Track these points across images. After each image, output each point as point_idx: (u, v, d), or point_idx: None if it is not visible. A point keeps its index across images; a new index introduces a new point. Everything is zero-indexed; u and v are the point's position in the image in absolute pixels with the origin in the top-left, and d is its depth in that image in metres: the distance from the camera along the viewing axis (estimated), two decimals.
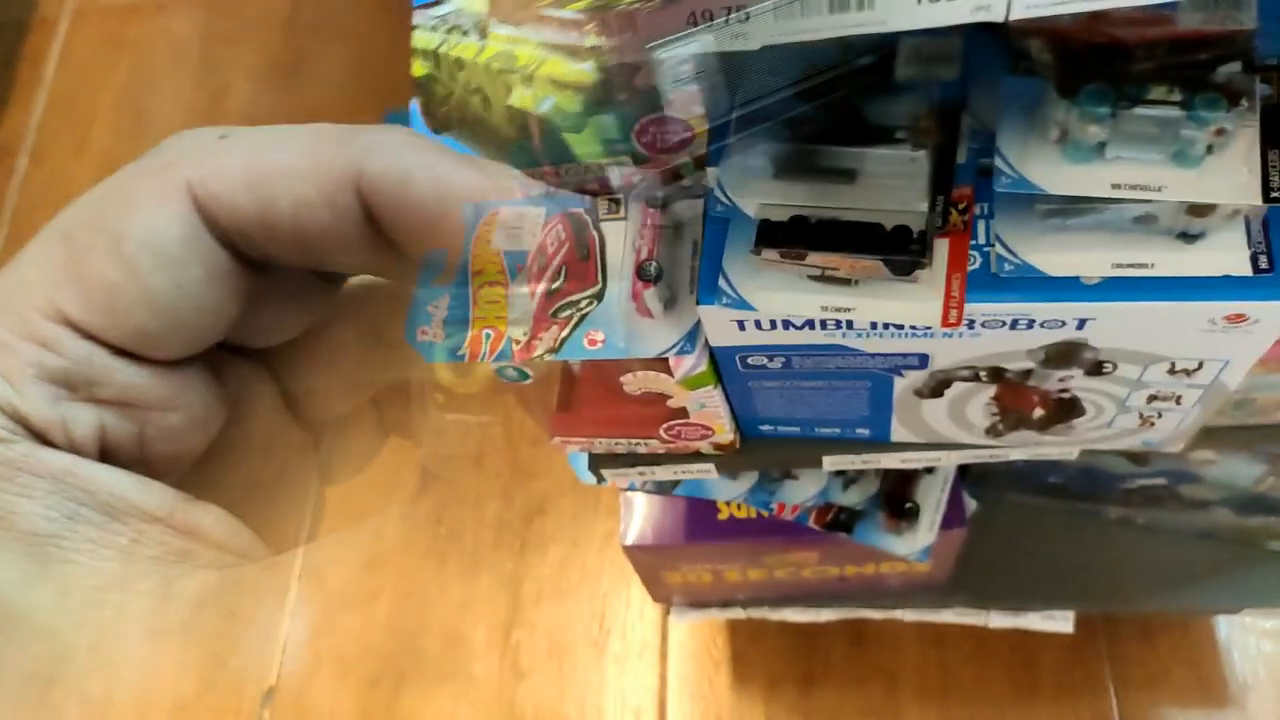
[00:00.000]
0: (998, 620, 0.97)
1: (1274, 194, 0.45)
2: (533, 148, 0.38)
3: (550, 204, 0.36)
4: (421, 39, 0.39)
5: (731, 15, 0.36)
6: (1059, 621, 0.97)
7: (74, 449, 0.32)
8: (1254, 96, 0.44)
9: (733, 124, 0.40)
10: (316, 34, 1.54)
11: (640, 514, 0.79)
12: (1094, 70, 0.43)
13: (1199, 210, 0.44)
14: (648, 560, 0.82)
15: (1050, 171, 0.43)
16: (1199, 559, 0.92)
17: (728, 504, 0.76)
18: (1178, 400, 0.54)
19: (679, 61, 0.36)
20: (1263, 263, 0.45)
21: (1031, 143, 0.44)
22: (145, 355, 0.32)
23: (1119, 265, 0.45)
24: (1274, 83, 0.45)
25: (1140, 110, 0.43)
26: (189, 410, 0.34)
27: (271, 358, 0.40)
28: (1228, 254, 0.45)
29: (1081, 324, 0.46)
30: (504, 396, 0.39)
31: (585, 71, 0.37)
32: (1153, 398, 0.54)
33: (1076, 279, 0.45)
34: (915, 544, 0.75)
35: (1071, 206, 0.45)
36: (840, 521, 0.75)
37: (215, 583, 0.31)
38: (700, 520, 0.78)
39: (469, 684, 1.10)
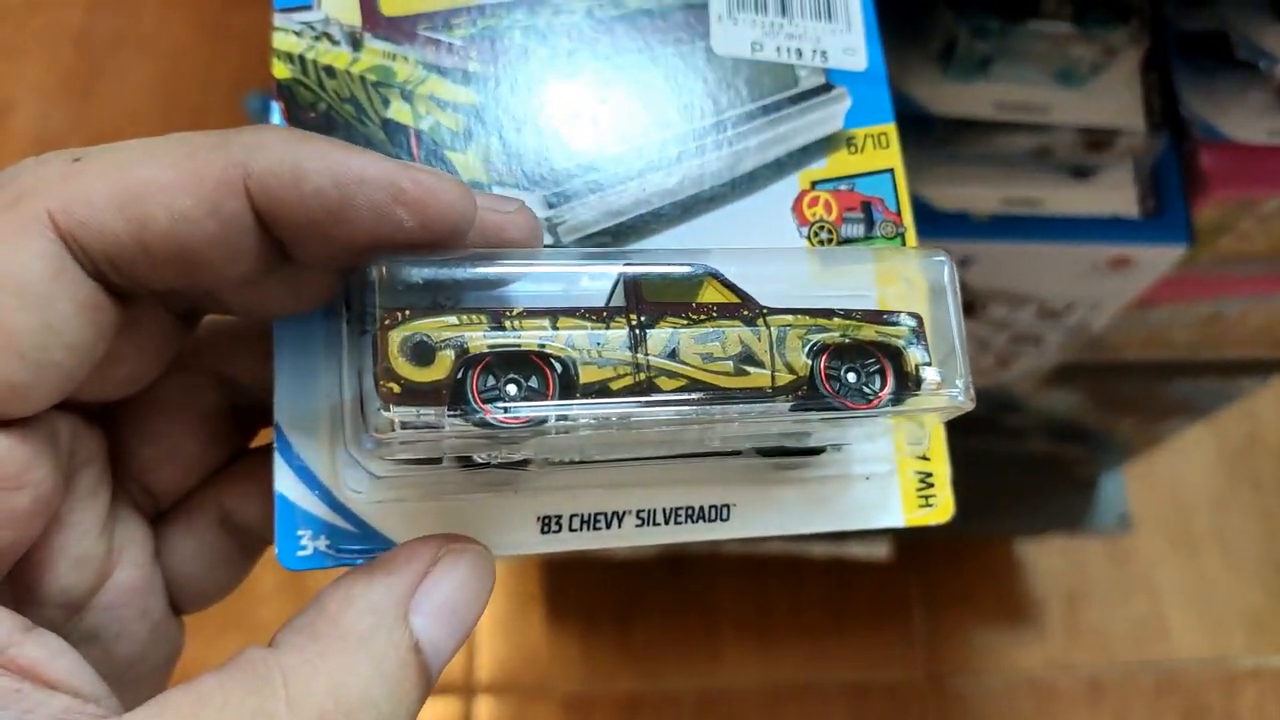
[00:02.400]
0: (817, 550, 0.97)
1: (1154, 118, 0.43)
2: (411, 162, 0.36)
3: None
4: (284, 42, 0.37)
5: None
6: (875, 548, 0.98)
7: None
8: (1145, 14, 0.41)
9: None
10: (114, 50, 1.32)
11: None
12: None
13: (1094, 145, 0.41)
14: None
15: (933, 89, 0.40)
16: (1011, 486, 0.95)
17: None
18: (1038, 341, 0.53)
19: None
20: (1150, 204, 0.43)
21: (912, 57, 0.40)
22: (2, 416, 0.29)
23: (1010, 200, 0.42)
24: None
25: (1033, 25, 0.40)
26: (37, 489, 0.30)
27: (109, 416, 0.36)
28: (1117, 193, 0.43)
29: (965, 262, 0.43)
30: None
31: (470, 94, 0.37)
32: (1015, 338, 0.52)
33: (965, 216, 0.41)
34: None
35: (964, 135, 0.41)
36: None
37: None
38: None
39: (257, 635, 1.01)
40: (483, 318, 0.31)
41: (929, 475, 0.37)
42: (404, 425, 0.30)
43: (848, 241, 0.38)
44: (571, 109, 0.38)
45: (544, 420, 0.31)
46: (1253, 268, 0.52)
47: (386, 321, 0.30)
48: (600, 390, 0.31)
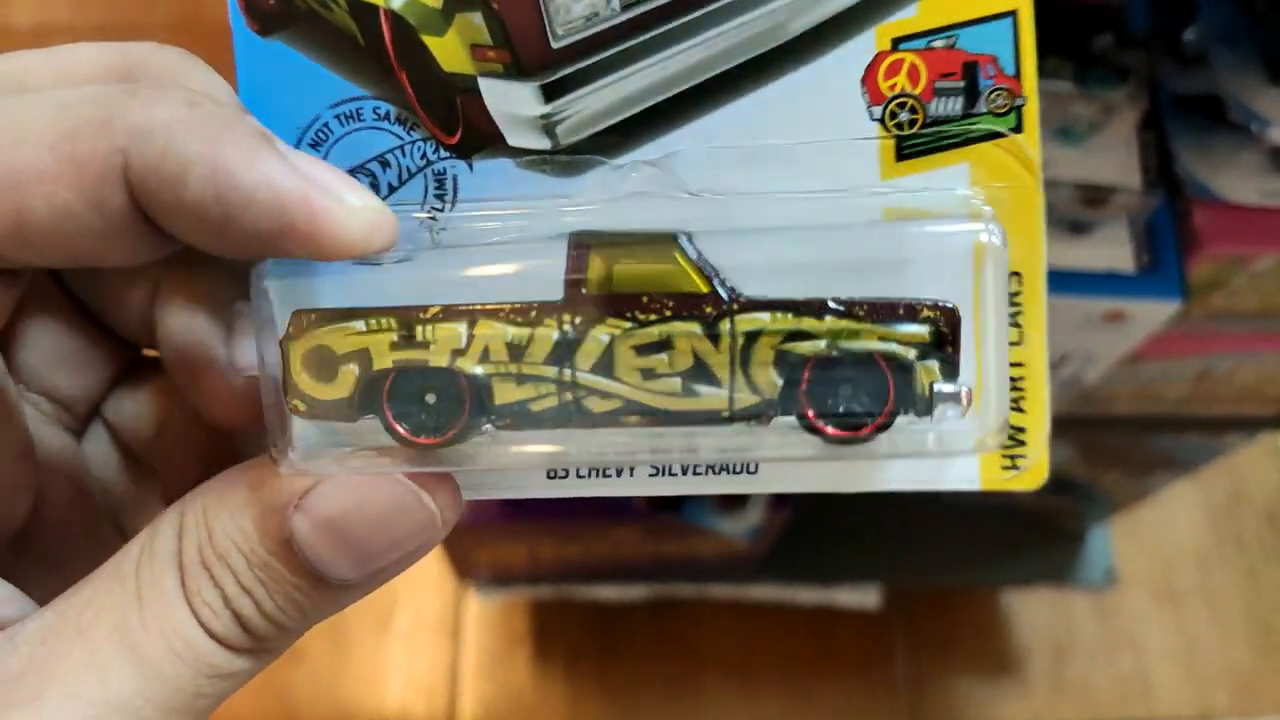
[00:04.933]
0: (805, 596, 0.97)
1: (1150, 177, 0.44)
2: (385, 54, 0.31)
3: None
4: None
5: None
6: (864, 596, 0.98)
7: None
8: (1142, 74, 0.42)
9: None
10: None
11: None
12: None
13: (1093, 201, 0.42)
14: (460, 538, 0.75)
15: None
16: (998, 537, 0.95)
17: None
18: None
19: None
20: (1144, 260, 0.44)
21: None
22: None
23: None
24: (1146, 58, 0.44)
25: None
26: None
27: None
28: (1113, 248, 0.43)
29: None
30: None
31: None
32: None
33: None
34: (743, 523, 0.72)
35: None
36: (668, 500, 0.71)
37: None
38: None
39: None
40: (393, 322, 0.28)
41: (1020, 430, 0.30)
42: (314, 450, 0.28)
43: (938, 123, 0.28)
44: None
45: (467, 436, 0.28)
46: (1243, 325, 0.53)
47: (291, 330, 0.28)
48: (519, 411, 0.27)
